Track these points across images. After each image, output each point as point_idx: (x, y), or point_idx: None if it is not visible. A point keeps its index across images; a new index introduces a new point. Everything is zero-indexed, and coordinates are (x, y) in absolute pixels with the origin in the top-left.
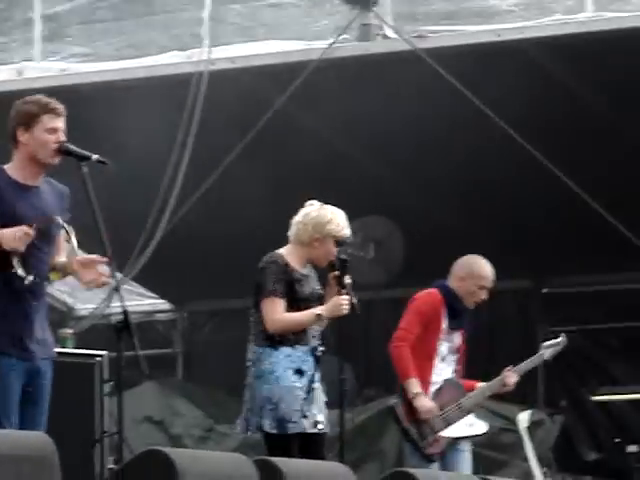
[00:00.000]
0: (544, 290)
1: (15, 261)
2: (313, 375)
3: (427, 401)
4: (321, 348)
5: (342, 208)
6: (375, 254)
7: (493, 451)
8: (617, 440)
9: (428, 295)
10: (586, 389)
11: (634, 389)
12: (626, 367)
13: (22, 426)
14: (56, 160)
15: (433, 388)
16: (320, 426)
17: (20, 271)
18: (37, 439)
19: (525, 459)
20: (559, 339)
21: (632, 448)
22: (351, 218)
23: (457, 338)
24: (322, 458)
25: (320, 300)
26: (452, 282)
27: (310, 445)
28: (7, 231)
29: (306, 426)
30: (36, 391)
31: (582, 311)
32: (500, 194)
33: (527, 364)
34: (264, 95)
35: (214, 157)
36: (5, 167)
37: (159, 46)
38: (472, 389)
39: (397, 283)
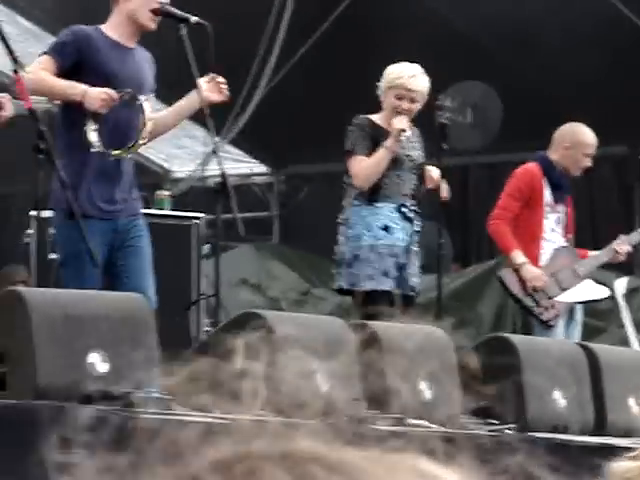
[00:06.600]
0: None
1: (90, 126)
2: (401, 233)
3: (533, 269)
4: (411, 207)
5: (439, 73)
6: (472, 119)
7: (591, 318)
8: None
9: (525, 171)
10: None
11: None
12: None
13: (128, 283)
14: (153, 25)
15: (545, 258)
16: (408, 289)
17: (92, 137)
18: (134, 300)
19: (622, 326)
20: None
21: None
22: (448, 83)
23: (563, 208)
24: None
25: (416, 165)
26: (555, 152)
27: (398, 305)
28: (92, 91)
29: (391, 285)
30: (130, 249)
31: None
32: (596, 59)
33: (634, 236)
34: None
35: (313, 18)
36: (101, 27)
37: None
38: (584, 257)
39: (494, 148)
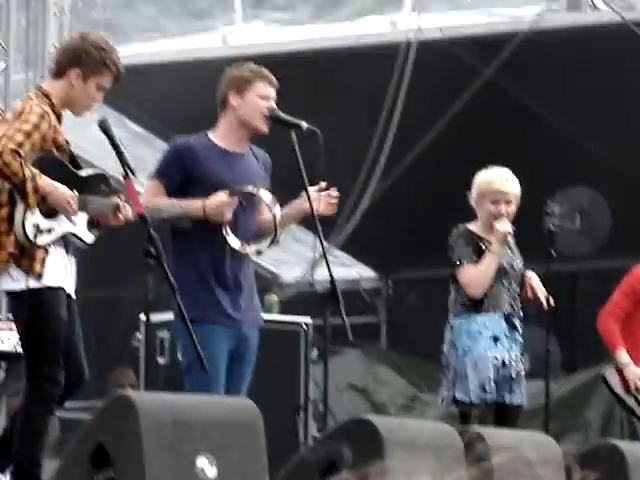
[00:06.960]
0: None
1: (225, 231)
2: (509, 343)
3: (637, 369)
4: (518, 315)
5: (546, 179)
6: (581, 225)
7: None
8: None
9: None
10: None
11: None
12: None
13: (227, 389)
14: (265, 127)
15: None
16: (516, 398)
17: (231, 239)
18: (242, 405)
19: None
20: None
21: None
22: (556, 189)
23: None
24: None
25: (519, 273)
26: None
27: (504, 416)
28: (211, 204)
29: (498, 396)
30: (241, 357)
31: None
32: None
33: None
34: (472, 65)
35: (421, 126)
36: (209, 133)
37: (355, 11)
38: None
39: (603, 254)
